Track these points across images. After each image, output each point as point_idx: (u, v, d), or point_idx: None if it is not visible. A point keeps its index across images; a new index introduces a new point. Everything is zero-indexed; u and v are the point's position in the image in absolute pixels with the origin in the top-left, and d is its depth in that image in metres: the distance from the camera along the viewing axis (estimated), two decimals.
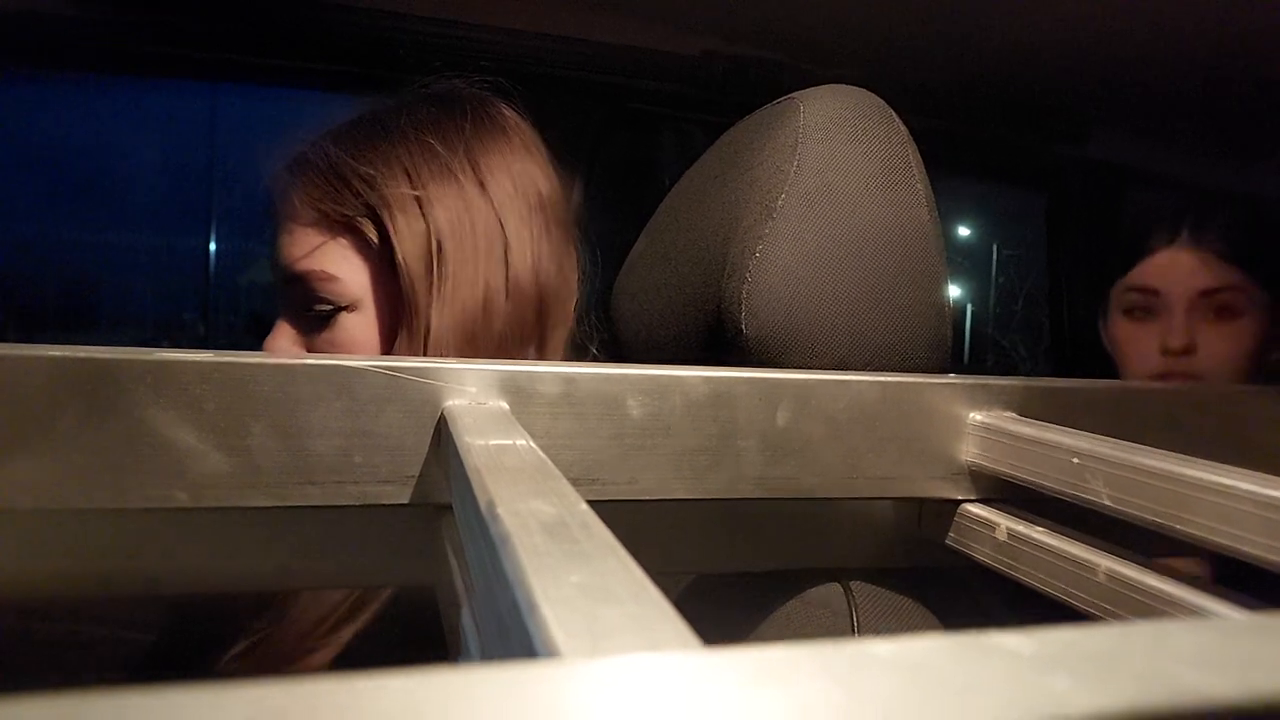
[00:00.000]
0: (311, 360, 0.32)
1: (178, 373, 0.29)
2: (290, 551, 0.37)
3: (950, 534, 0.41)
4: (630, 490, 0.36)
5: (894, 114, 0.47)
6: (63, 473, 0.28)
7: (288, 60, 0.84)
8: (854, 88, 0.48)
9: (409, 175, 0.54)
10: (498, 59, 0.79)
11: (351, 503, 0.32)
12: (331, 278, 0.55)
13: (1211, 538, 0.28)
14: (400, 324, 0.54)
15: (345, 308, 0.55)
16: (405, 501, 0.33)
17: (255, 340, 0.60)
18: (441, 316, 0.53)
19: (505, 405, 0.33)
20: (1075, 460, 0.34)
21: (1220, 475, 0.29)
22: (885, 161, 0.45)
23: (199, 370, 0.30)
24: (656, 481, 0.36)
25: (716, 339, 0.47)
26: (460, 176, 0.55)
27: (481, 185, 0.55)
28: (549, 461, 0.26)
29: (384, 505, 0.33)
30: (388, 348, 0.55)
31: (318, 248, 0.55)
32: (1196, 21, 0.70)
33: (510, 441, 0.28)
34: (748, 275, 0.44)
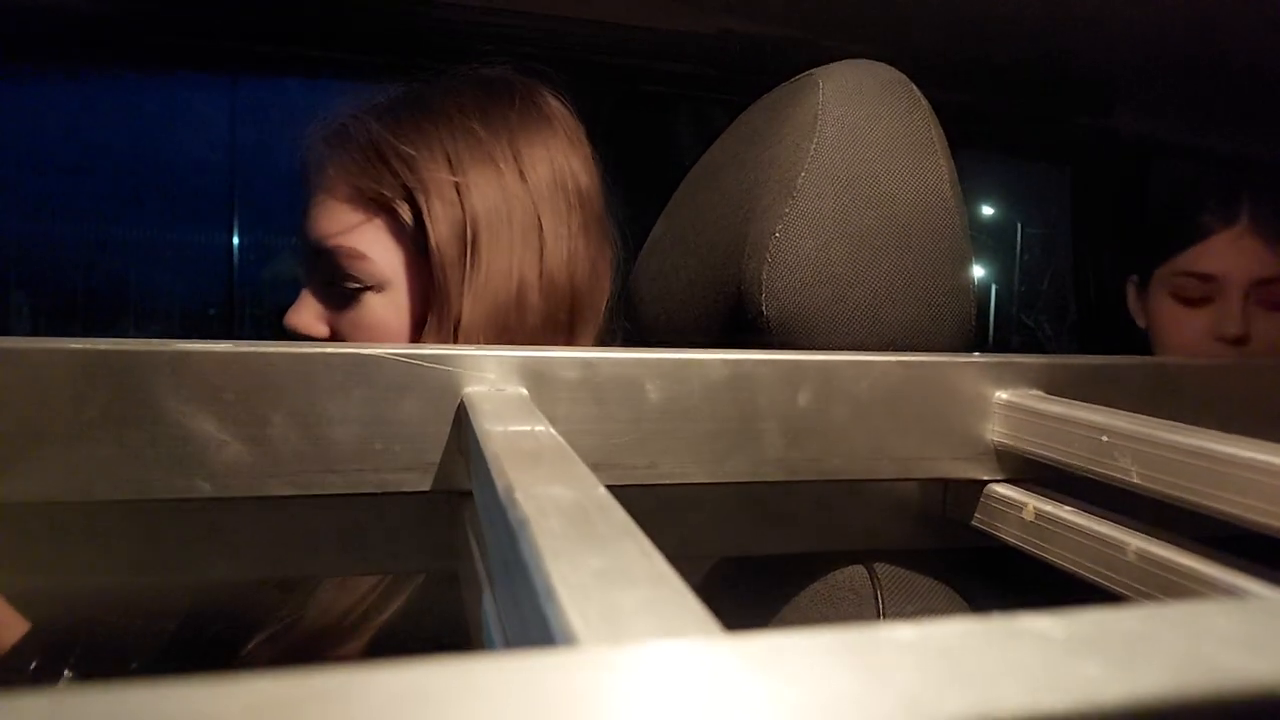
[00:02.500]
0: (331, 349, 0.32)
1: (198, 363, 0.30)
2: (313, 540, 0.38)
3: (976, 515, 0.41)
4: (650, 475, 0.35)
5: (915, 88, 0.46)
6: (87, 464, 0.28)
7: (304, 49, 0.84)
8: (874, 62, 0.47)
9: (449, 160, 0.53)
10: (511, 41, 0.79)
11: (372, 490, 0.32)
12: (362, 256, 0.54)
13: (1247, 515, 0.27)
14: (430, 311, 0.54)
15: (373, 288, 0.55)
16: (426, 489, 0.33)
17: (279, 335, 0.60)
18: (473, 307, 0.52)
19: (524, 391, 0.33)
20: (1104, 438, 0.34)
21: (1256, 451, 0.28)
22: (907, 137, 0.44)
23: (219, 360, 0.30)
24: (676, 465, 0.36)
25: (737, 321, 0.47)
26: (501, 164, 0.54)
27: (521, 175, 0.54)
28: (568, 447, 0.26)
29: (405, 493, 0.33)
30: (416, 334, 0.55)
31: (352, 226, 0.55)
32: None
33: (529, 428, 0.28)
34: (768, 256, 0.43)
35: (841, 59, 0.48)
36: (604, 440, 0.35)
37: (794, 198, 0.43)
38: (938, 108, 0.47)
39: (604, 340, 0.58)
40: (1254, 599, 0.28)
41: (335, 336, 0.57)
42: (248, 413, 0.30)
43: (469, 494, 0.33)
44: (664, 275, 0.55)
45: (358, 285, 0.55)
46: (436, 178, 0.53)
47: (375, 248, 0.55)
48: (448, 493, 0.34)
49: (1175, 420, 0.33)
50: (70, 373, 0.28)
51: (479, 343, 0.51)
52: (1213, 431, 0.31)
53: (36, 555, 0.34)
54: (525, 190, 0.54)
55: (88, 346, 0.28)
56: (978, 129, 1.00)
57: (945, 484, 0.43)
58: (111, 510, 0.32)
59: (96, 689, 0.09)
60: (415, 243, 0.54)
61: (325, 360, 0.31)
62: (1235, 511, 0.28)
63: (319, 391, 0.31)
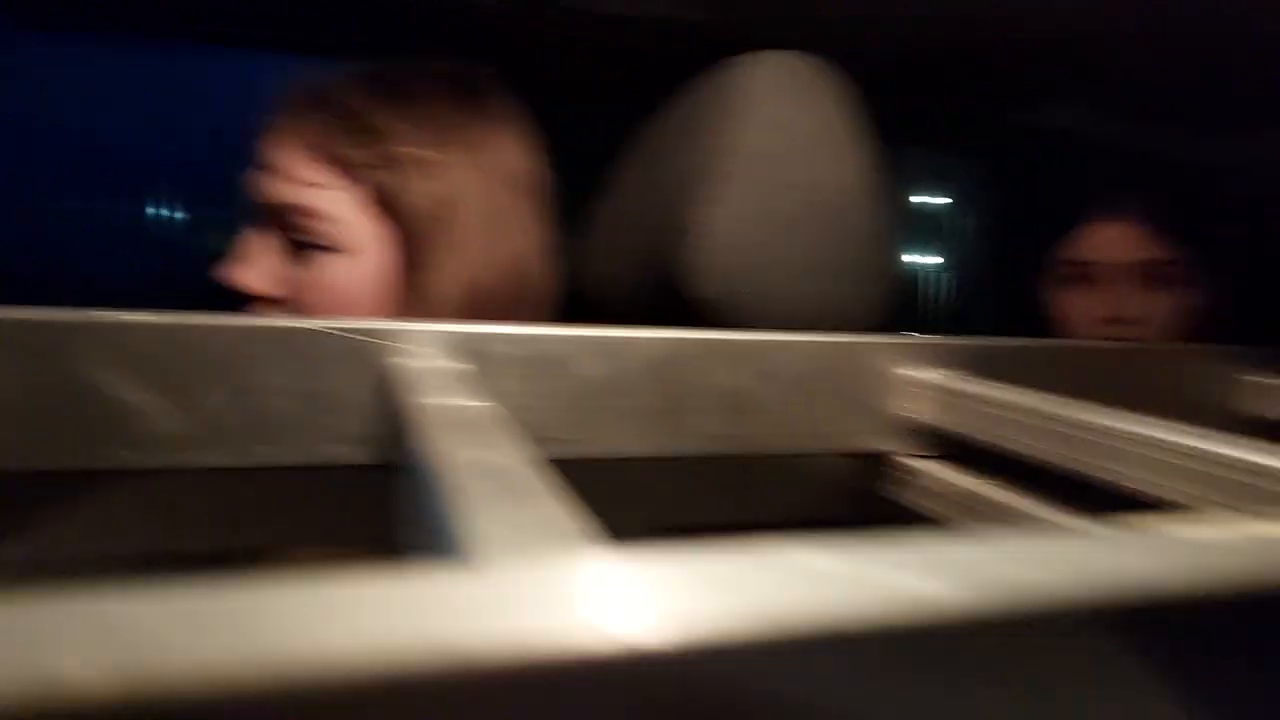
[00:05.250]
0: (263, 322, 0.32)
1: (129, 334, 0.30)
2: (243, 512, 0.38)
3: (887, 486, 0.43)
4: (586, 449, 0.37)
5: (837, 78, 0.48)
6: (17, 434, 0.28)
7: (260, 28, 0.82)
8: (798, 53, 0.49)
9: (426, 137, 0.54)
10: (457, 21, 0.78)
11: (305, 462, 0.33)
12: (328, 218, 0.54)
13: (1122, 482, 0.30)
14: (399, 284, 0.54)
15: (336, 250, 0.55)
16: (361, 461, 0.33)
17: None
18: (444, 285, 0.53)
19: (463, 366, 0.34)
20: (1001, 413, 0.36)
21: (1129, 424, 0.31)
22: (828, 125, 0.46)
23: (149, 331, 0.30)
24: (612, 440, 0.37)
25: (668, 301, 0.48)
26: (473, 152, 0.55)
27: (490, 165, 0.56)
28: (502, 416, 0.27)
29: (338, 465, 0.33)
30: (376, 305, 0.55)
31: (320, 186, 0.54)
32: None
33: (464, 401, 0.29)
34: (693, 239, 0.45)
35: (771, 49, 0.50)
36: (540, 415, 0.36)
37: (720, 182, 0.45)
38: (864, 99, 0.49)
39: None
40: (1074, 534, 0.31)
41: (289, 298, 0.56)
42: (179, 384, 0.31)
43: (402, 468, 0.33)
44: (599, 258, 0.56)
45: (318, 246, 0.54)
46: (413, 153, 0.54)
47: (342, 210, 0.55)
48: (385, 466, 0.34)
49: (1064, 396, 0.36)
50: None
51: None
52: (1091, 404, 0.33)
53: None
54: (494, 179, 0.56)
55: (20, 316, 0.28)
56: (908, 121, 1.04)
57: (864, 458, 0.45)
58: (44, 481, 0.31)
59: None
60: (385, 214, 0.54)
61: (259, 333, 0.32)
62: (1110, 479, 0.30)
63: (252, 364, 0.32)
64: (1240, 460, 0.26)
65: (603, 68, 0.87)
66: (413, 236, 0.53)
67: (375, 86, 0.56)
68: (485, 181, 0.55)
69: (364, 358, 0.33)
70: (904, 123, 1.06)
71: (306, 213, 0.54)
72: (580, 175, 0.60)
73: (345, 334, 0.33)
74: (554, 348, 0.35)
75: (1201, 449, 0.28)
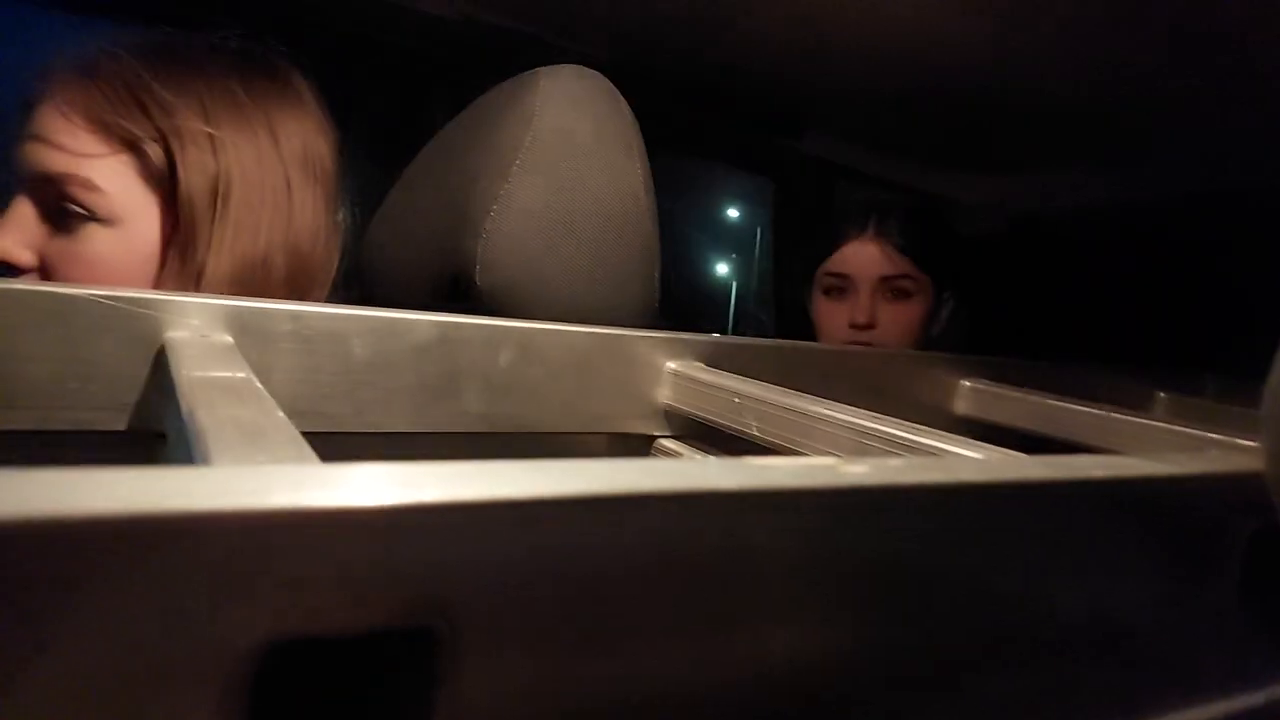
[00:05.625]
0: (25, 286, 0.32)
1: None
2: None
3: None
4: (355, 423, 0.39)
5: (621, 98, 0.53)
6: None
7: None
8: (590, 70, 0.53)
9: (207, 113, 0.54)
10: (264, 4, 0.77)
11: (64, 428, 0.33)
12: (96, 189, 0.53)
13: (808, 453, 0.36)
14: (171, 259, 0.53)
15: (101, 221, 0.53)
16: (121, 429, 0.34)
17: None
18: (218, 261, 0.53)
19: (230, 339, 0.35)
20: (736, 400, 0.42)
21: (830, 410, 0.37)
22: (610, 140, 0.51)
23: None
24: (381, 415, 0.39)
25: (454, 289, 0.51)
26: (258, 130, 0.56)
27: (276, 144, 0.56)
28: (264, 392, 0.29)
29: (98, 431, 0.34)
30: (143, 278, 0.54)
31: (90, 156, 0.53)
32: (896, 38, 0.83)
33: (229, 374, 0.30)
34: (483, 232, 0.48)
35: (570, 60, 0.53)
36: (311, 390, 0.37)
37: (509, 182, 0.48)
38: (650, 116, 0.54)
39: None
40: None
41: (44, 265, 0.54)
42: None
43: (164, 436, 0.34)
44: (392, 243, 0.58)
45: (84, 216, 0.53)
46: (192, 127, 0.53)
47: (113, 181, 0.53)
48: (147, 435, 0.35)
49: (805, 392, 0.42)
50: None
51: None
52: (807, 395, 0.40)
53: None
54: (278, 159, 0.56)
55: None
56: (692, 140, 1.12)
57: (626, 439, 0.50)
58: None
59: None
60: (159, 187, 0.54)
61: (19, 297, 0.31)
62: (802, 451, 0.36)
63: (10, 328, 0.31)
64: (880, 430, 0.33)
65: (407, 63, 0.88)
66: (187, 210, 0.52)
67: (159, 57, 0.55)
68: (267, 160, 0.55)
69: (131, 327, 0.34)
70: (696, 138, 1.14)
71: (77, 183, 0.53)
72: (375, 164, 0.61)
73: (112, 302, 0.33)
74: (328, 325, 0.37)
75: (865, 425, 0.35)
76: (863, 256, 1.01)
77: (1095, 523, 0.22)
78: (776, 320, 1.29)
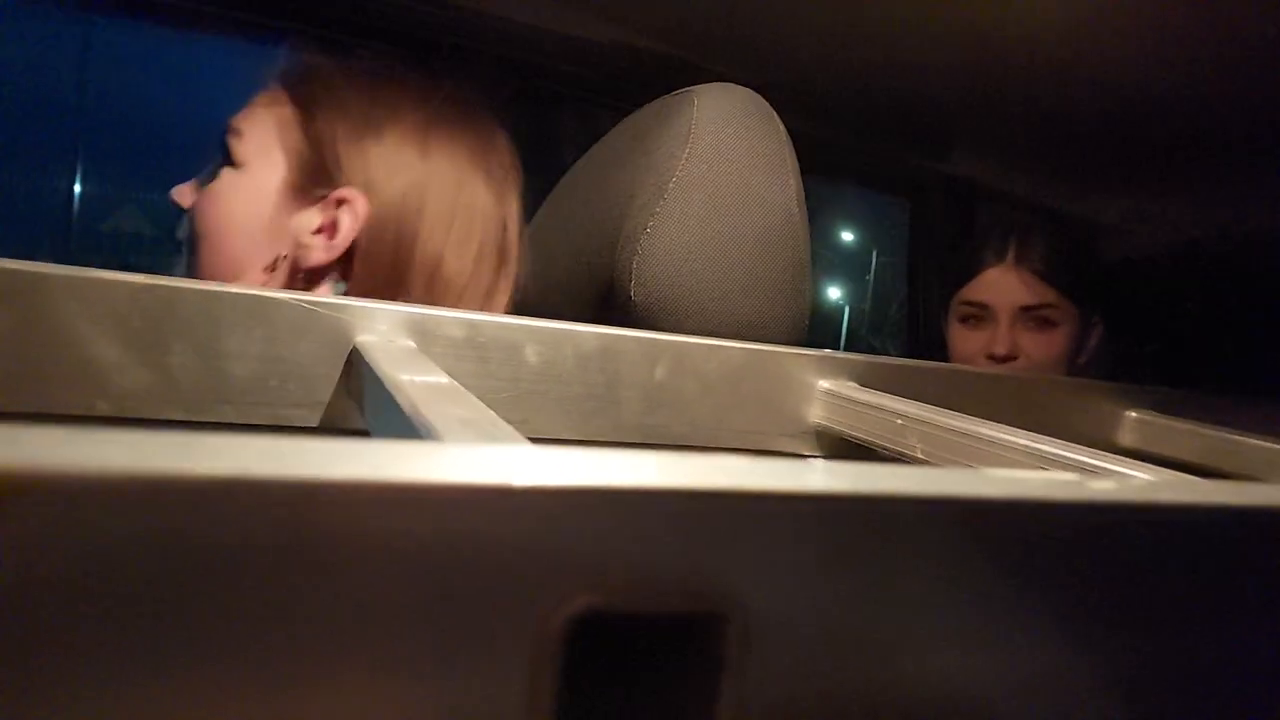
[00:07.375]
0: (234, 289, 0.34)
1: (107, 290, 0.32)
2: None
3: None
4: (523, 430, 0.40)
5: (775, 114, 0.53)
6: None
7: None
8: (743, 88, 0.54)
9: (415, 142, 0.55)
10: (410, 25, 0.81)
11: (264, 422, 0.35)
12: (237, 132, 0.55)
13: None
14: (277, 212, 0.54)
15: (231, 164, 0.55)
16: (314, 425, 0.36)
17: None
18: (416, 269, 0.54)
19: (413, 344, 0.37)
20: (899, 421, 0.41)
21: (1001, 432, 0.36)
22: (765, 157, 0.51)
23: (128, 290, 0.32)
24: (547, 422, 0.40)
25: (607, 303, 0.52)
26: (457, 151, 0.56)
27: (473, 162, 0.56)
28: (466, 391, 0.30)
29: (294, 427, 0.36)
30: (255, 229, 0.55)
31: (257, 123, 0.56)
32: (1046, 56, 0.80)
33: (429, 377, 0.32)
34: (639, 248, 0.49)
35: (716, 80, 0.54)
36: (482, 396, 0.39)
37: (665, 199, 0.49)
38: (795, 135, 0.54)
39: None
40: None
41: (194, 207, 0.57)
42: (151, 341, 0.33)
43: (358, 433, 0.36)
44: (543, 259, 0.60)
45: (222, 160, 0.56)
46: (395, 158, 0.54)
47: (257, 131, 0.55)
48: (335, 432, 0.37)
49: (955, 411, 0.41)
50: None
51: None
52: (974, 417, 0.38)
53: None
54: (472, 173, 0.56)
55: (8, 267, 0.30)
56: (833, 160, 1.11)
57: (774, 457, 0.49)
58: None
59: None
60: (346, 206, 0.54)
61: (229, 299, 0.34)
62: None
63: (220, 327, 0.34)
64: (1061, 455, 0.32)
65: (570, 85, 0.91)
66: (386, 222, 0.54)
67: (374, 81, 0.57)
68: (461, 176, 0.56)
69: (324, 330, 0.36)
70: (837, 161, 1.13)
71: (229, 129, 0.55)
72: (531, 182, 0.63)
73: (309, 305, 0.35)
74: (500, 334, 0.39)
75: (1043, 450, 0.33)
76: (1002, 285, 0.97)
77: None
78: (910, 348, 1.25)
